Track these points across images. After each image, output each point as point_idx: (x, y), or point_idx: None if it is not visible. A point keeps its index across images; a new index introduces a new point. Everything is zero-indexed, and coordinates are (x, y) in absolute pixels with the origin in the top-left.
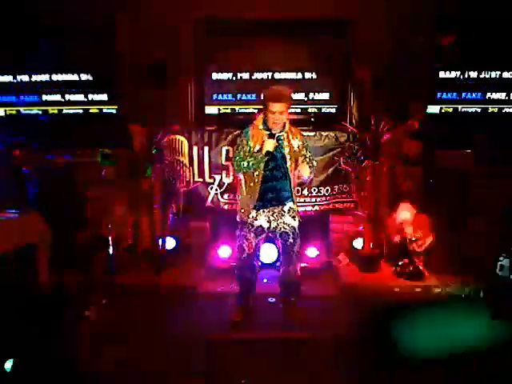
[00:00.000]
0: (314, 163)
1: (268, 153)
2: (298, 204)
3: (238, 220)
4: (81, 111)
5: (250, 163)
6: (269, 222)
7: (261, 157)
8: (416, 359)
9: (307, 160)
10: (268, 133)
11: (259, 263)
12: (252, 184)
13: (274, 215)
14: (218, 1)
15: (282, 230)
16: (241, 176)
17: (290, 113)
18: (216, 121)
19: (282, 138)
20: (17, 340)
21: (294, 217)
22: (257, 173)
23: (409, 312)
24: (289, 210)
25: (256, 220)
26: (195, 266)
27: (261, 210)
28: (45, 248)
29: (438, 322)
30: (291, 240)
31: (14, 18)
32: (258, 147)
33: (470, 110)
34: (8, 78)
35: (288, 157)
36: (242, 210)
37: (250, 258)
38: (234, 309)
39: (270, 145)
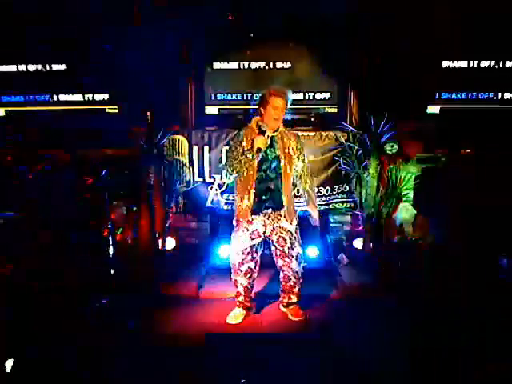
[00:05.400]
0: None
1: (259, 150)
2: (298, 204)
3: (234, 223)
4: (82, 111)
5: (242, 161)
6: (264, 225)
7: (252, 155)
8: None
9: (306, 171)
10: (259, 132)
11: (257, 268)
12: (246, 186)
13: (270, 219)
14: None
15: (279, 234)
16: (235, 180)
17: (291, 113)
18: (216, 121)
19: (275, 139)
20: (17, 340)
21: (291, 221)
22: (251, 173)
23: None
24: (285, 215)
25: (251, 224)
26: (195, 266)
27: (257, 215)
28: None
29: None
30: (289, 245)
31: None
32: (249, 146)
33: (470, 109)
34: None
35: (282, 157)
36: (239, 214)
37: (245, 262)
38: (233, 312)
39: (260, 142)
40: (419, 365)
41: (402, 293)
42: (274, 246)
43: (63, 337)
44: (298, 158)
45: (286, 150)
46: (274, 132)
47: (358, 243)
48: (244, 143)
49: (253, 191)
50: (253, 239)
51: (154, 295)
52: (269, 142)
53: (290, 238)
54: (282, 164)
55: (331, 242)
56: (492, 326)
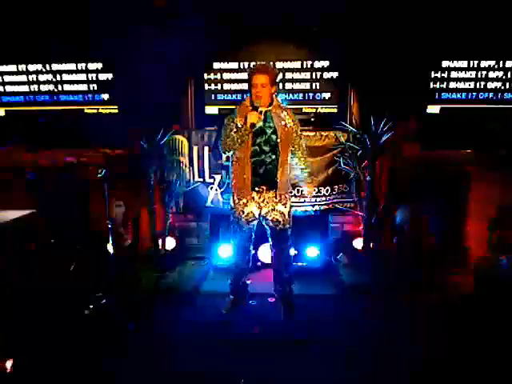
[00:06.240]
0: (304, 146)
1: (253, 125)
2: (298, 204)
3: (231, 204)
4: (81, 111)
5: (235, 138)
6: (259, 208)
7: (244, 129)
8: None
9: (302, 147)
10: (252, 108)
11: (259, 263)
12: (241, 161)
13: (265, 201)
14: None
15: (273, 216)
16: (230, 161)
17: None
18: (216, 121)
19: (270, 114)
20: (17, 340)
21: (284, 203)
22: (245, 148)
23: None
24: (280, 198)
25: (246, 206)
26: (195, 266)
27: (252, 195)
28: None
29: None
30: (281, 226)
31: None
32: (243, 122)
33: (470, 109)
34: (10, 78)
35: (277, 131)
36: (236, 195)
37: (242, 246)
38: (226, 302)
39: (253, 117)
40: (418, 364)
41: (401, 293)
42: (268, 225)
43: (63, 337)
44: (296, 132)
45: (282, 123)
46: (267, 107)
47: (358, 243)
48: (237, 120)
49: (248, 167)
50: (249, 222)
51: (153, 295)
52: (263, 117)
53: (283, 220)
54: (277, 137)
55: (331, 242)
56: (492, 325)
